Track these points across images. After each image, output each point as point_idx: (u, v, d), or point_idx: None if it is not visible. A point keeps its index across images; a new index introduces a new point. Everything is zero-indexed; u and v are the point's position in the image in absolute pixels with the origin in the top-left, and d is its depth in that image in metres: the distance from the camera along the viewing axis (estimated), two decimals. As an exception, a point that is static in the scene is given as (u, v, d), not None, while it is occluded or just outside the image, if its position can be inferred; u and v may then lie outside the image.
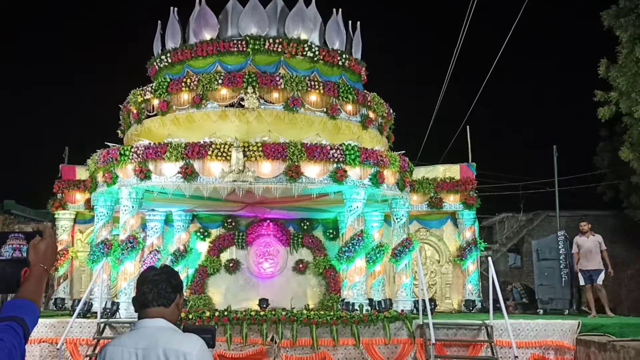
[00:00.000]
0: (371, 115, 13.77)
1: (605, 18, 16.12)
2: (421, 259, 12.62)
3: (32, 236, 2.13)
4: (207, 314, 10.75)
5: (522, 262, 23.28)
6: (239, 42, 13.24)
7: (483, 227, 18.41)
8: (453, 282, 14.73)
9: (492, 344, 10.14)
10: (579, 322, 10.67)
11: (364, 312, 11.07)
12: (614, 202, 21.08)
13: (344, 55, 14.00)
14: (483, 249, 15.15)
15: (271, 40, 13.26)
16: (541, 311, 13.49)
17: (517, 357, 9.68)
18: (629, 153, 16.66)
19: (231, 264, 14.31)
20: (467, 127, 15.44)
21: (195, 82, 12.80)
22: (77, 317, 10.59)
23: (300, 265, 14.34)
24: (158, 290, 2.69)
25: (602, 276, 12.41)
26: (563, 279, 13.54)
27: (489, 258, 11.59)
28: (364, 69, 14.89)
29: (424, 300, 10.55)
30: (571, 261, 13.15)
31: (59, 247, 14.23)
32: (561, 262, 13.68)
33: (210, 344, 2.72)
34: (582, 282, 12.67)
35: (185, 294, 13.74)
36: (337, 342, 10.38)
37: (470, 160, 14.92)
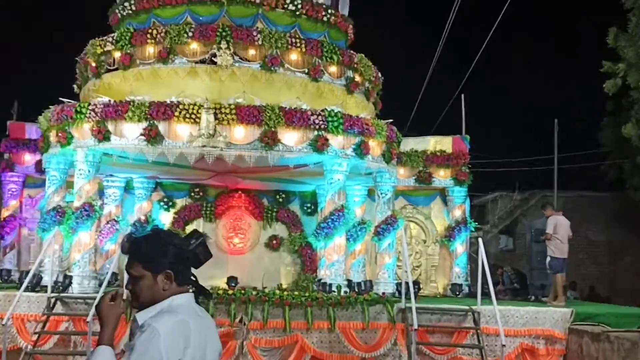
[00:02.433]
0: (357, 78, 13.64)
1: None
2: (406, 238, 12.71)
3: None
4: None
5: (515, 245, 23.55)
6: (213, -10, 12.96)
7: (474, 206, 18.49)
8: (439, 264, 14.86)
9: (479, 331, 10.28)
10: (572, 311, 10.85)
11: (342, 293, 11.14)
12: (617, 182, 21.26)
13: (329, 11, 13.78)
14: (473, 229, 15.28)
15: (249, -10, 12.99)
16: (532, 297, 13.66)
17: (504, 345, 9.82)
18: (632, 129, 16.78)
19: (198, 238, 14.21)
20: (462, 96, 15.44)
21: (162, 34, 12.53)
22: (25, 291, 10.49)
23: (274, 242, 14.31)
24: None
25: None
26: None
27: (479, 239, 11.63)
28: (350, 26, 14.70)
29: (407, 283, 10.62)
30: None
31: (6, 213, 14.06)
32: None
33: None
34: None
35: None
36: (312, 325, 10.44)
37: (463, 133, 14.94)
